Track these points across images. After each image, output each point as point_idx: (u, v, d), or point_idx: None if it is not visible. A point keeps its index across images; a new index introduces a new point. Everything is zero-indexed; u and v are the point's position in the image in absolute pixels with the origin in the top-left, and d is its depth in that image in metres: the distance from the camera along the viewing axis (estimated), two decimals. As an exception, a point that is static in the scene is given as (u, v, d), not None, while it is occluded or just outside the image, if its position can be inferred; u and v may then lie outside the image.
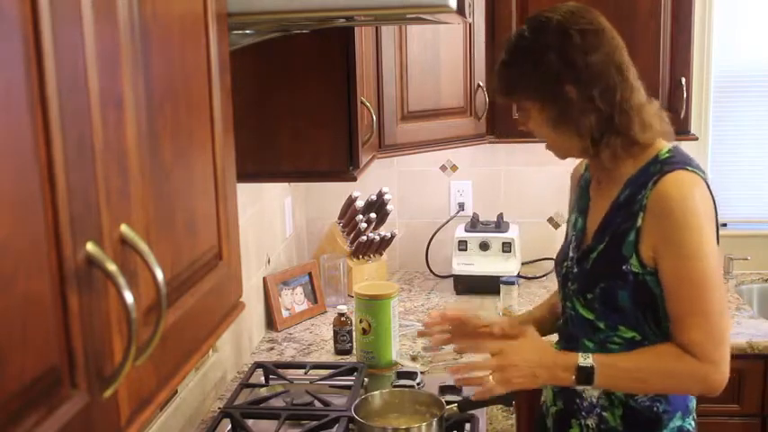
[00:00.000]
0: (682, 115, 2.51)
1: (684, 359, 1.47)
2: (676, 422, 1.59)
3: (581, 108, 1.51)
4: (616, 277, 1.53)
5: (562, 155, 1.64)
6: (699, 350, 1.46)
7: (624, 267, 1.52)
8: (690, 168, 1.50)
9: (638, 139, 1.53)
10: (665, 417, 1.57)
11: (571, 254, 1.66)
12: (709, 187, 1.51)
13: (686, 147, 2.78)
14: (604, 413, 1.61)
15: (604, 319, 1.58)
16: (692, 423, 1.62)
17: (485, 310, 2.57)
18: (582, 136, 1.54)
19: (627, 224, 1.52)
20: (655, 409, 1.57)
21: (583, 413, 1.64)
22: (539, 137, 1.63)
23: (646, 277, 1.51)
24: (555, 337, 1.76)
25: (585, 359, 1.51)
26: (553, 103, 1.54)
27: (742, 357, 2.32)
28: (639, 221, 1.50)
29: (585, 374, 1.50)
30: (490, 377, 1.55)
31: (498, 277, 2.61)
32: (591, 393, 1.62)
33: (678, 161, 1.52)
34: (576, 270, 1.63)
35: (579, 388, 1.59)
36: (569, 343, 1.67)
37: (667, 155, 1.54)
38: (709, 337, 1.46)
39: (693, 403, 1.63)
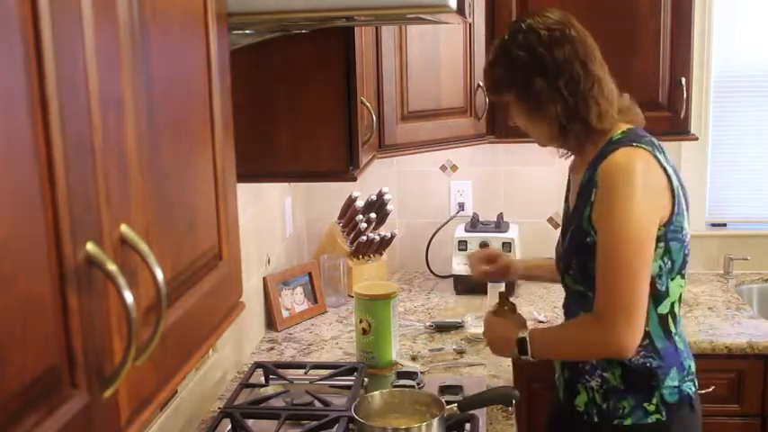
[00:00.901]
0: (682, 115, 2.51)
1: (590, 326, 1.60)
2: (673, 381, 1.66)
3: (549, 98, 1.67)
4: (584, 250, 1.64)
5: (541, 143, 1.81)
6: (601, 316, 1.57)
7: (588, 240, 1.65)
8: (636, 144, 1.62)
9: (594, 126, 1.67)
10: (659, 372, 1.65)
11: (560, 236, 1.80)
12: (660, 160, 1.61)
13: (686, 147, 2.83)
14: (605, 373, 1.69)
15: (591, 290, 1.66)
16: (693, 388, 1.69)
17: (485, 310, 2.57)
18: (551, 124, 1.70)
19: (584, 201, 1.64)
20: (648, 364, 1.65)
21: (586, 376, 1.72)
22: (522, 128, 1.79)
23: None
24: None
25: (523, 333, 1.71)
26: (526, 94, 1.70)
27: (742, 357, 2.32)
28: (593, 197, 1.62)
29: (522, 345, 1.70)
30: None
31: (498, 277, 2.60)
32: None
33: (627, 140, 1.65)
34: (561, 250, 1.76)
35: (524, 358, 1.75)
36: (569, 317, 1.80)
37: (620, 135, 1.68)
38: (610, 303, 1.56)
39: (688, 364, 1.70)
